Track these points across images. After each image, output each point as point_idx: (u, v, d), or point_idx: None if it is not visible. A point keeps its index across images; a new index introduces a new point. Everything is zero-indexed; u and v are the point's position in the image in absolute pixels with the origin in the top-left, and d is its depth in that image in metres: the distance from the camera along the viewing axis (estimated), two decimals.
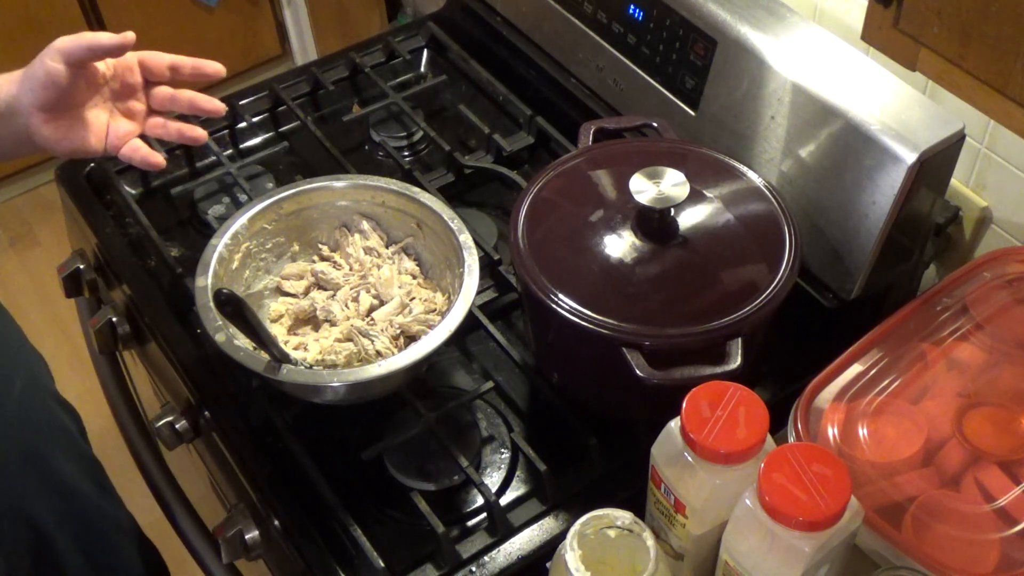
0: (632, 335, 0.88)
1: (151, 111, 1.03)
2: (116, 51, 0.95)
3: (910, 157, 0.92)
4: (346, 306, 1.03)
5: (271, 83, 1.34)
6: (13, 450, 1.12)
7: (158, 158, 1.02)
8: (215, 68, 1.03)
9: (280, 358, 0.92)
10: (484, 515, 0.96)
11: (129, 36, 0.94)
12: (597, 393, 0.99)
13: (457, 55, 1.38)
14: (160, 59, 1.01)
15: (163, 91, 1.03)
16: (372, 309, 1.03)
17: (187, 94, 1.03)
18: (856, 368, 0.93)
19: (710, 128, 1.10)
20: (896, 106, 0.96)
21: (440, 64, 1.41)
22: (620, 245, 0.94)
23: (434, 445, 0.98)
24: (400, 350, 0.96)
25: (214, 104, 1.04)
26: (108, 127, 0.99)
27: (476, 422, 1.03)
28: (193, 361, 1.07)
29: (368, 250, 1.07)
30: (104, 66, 0.97)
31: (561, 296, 0.90)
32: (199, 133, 1.04)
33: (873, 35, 0.75)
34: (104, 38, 0.93)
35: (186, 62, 1.02)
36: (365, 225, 1.07)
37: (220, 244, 1.00)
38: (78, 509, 1.22)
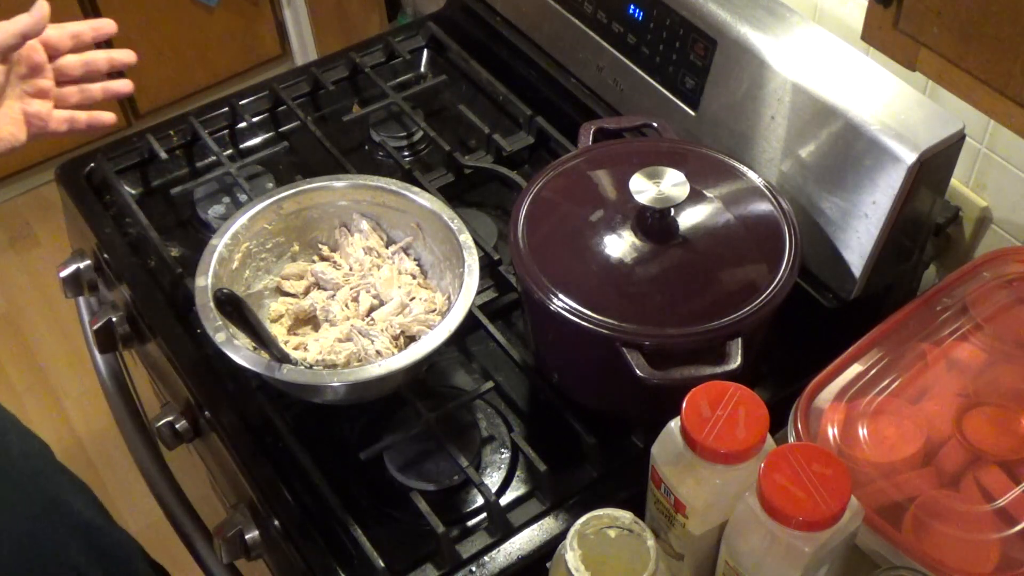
0: (632, 335, 0.88)
1: (60, 85, 0.99)
2: (35, 30, 0.91)
3: (910, 157, 0.92)
4: (346, 306, 1.03)
5: (271, 83, 1.34)
6: (38, 501, 1.11)
7: (108, 115, 0.99)
8: (111, 27, 1.00)
9: (280, 358, 0.92)
10: (484, 515, 0.96)
11: (44, 8, 0.91)
12: (597, 393, 0.99)
13: (457, 55, 1.38)
14: (60, 29, 0.97)
15: (71, 60, 0.99)
16: (372, 309, 1.03)
17: (101, 53, 1.00)
18: (856, 368, 0.93)
19: (710, 128, 1.10)
20: (896, 106, 0.96)
21: (440, 64, 1.41)
22: (620, 245, 0.94)
23: (434, 445, 0.98)
24: (400, 350, 0.96)
25: (128, 54, 1.02)
26: (23, 113, 0.95)
27: (476, 422, 1.03)
28: (193, 361, 1.07)
29: (368, 250, 1.07)
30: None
31: (561, 296, 0.90)
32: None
33: (873, 35, 0.75)
34: (22, 22, 0.90)
35: (84, 26, 0.98)
36: (365, 225, 1.07)
37: (220, 244, 1.00)
38: (104, 545, 1.22)
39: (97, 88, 1.01)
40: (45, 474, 1.16)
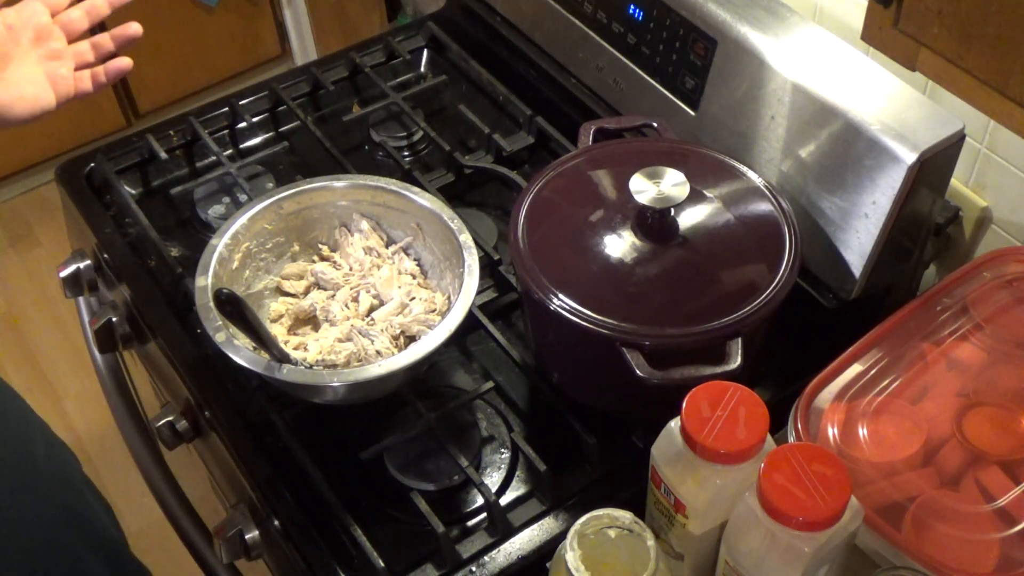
0: (632, 335, 0.88)
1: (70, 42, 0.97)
2: None
3: (910, 157, 0.92)
4: (346, 306, 1.03)
5: (271, 83, 1.34)
6: (60, 513, 1.11)
7: (125, 61, 0.97)
8: None
9: (280, 358, 0.92)
10: (484, 515, 0.96)
11: None
12: (597, 393, 0.99)
13: (457, 55, 1.38)
14: None
15: (75, 13, 0.97)
16: (372, 309, 1.03)
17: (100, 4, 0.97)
18: (856, 368, 0.93)
19: (710, 128, 1.10)
20: (896, 106, 0.96)
21: (440, 64, 1.41)
22: (620, 245, 0.94)
23: (434, 445, 0.98)
24: (400, 350, 0.96)
25: (133, 28, 0.98)
26: (48, 76, 0.94)
27: (476, 422, 1.03)
28: (193, 361, 1.07)
29: (368, 250, 1.07)
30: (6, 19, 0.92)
31: (561, 296, 0.90)
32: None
33: (873, 35, 0.75)
34: None
35: None
36: (365, 225, 1.07)
37: (220, 244, 1.00)
38: (125, 563, 1.21)
39: (101, 72, 0.98)
40: (71, 487, 1.16)
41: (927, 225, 1.03)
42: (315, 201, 1.06)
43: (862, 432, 0.89)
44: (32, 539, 1.07)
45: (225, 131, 1.31)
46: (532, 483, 0.98)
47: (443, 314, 0.98)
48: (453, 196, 1.18)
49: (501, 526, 0.94)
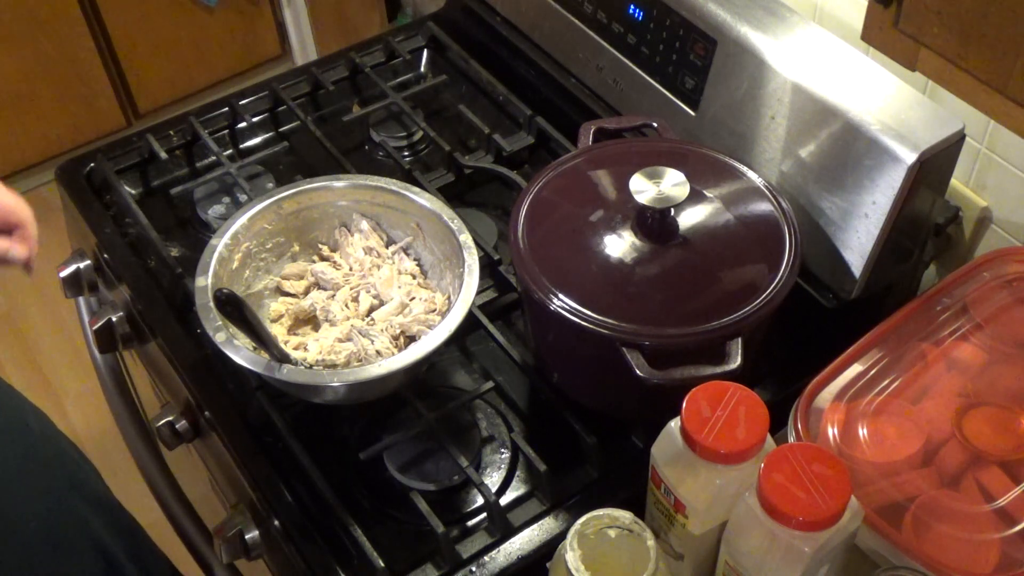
0: (632, 335, 0.88)
1: None
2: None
3: (910, 157, 0.92)
4: (346, 306, 1.03)
5: (271, 83, 1.34)
6: (61, 478, 1.12)
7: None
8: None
9: (280, 358, 0.92)
10: (484, 515, 0.96)
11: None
12: (597, 393, 0.99)
13: (457, 55, 1.38)
14: None
15: None
16: (372, 309, 1.04)
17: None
18: (856, 368, 0.93)
19: (710, 128, 1.10)
20: (896, 106, 0.96)
21: (440, 64, 1.41)
22: (620, 245, 0.94)
23: (434, 445, 0.98)
24: (400, 350, 0.96)
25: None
26: None
27: (476, 422, 1.03)
28: (193, 361, 1.07)
29: (368, 250, 1.07)
30: None
31: (561, 296, 0.90)
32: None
33: (873, 35, 0.75)
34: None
35: None
36: (365, 225, 1.07)
37: (220, 244, 1.00)
38: (123, 522, 1.22)
39: None
40: (63, 452, 1.17)
41: (927, 225, 1.03)
42: (315, 201, 1.06)
43: (862, 432, 0.89)
44: (43, 507, 1.08)
45: (225, 131, 1.31)
46: (532, 483, 0.98)
47: (443, 314, 0.99)
48: (453, 196, 1.18)
49: (501, 526, 0.94)
